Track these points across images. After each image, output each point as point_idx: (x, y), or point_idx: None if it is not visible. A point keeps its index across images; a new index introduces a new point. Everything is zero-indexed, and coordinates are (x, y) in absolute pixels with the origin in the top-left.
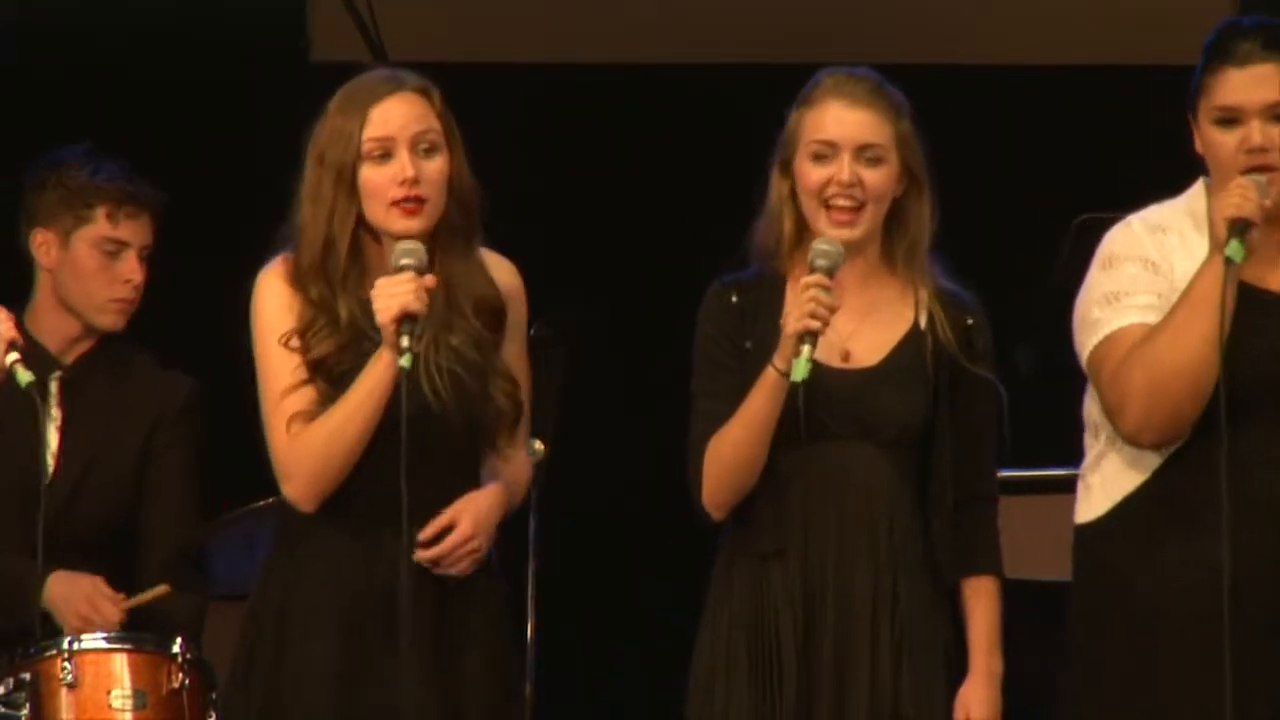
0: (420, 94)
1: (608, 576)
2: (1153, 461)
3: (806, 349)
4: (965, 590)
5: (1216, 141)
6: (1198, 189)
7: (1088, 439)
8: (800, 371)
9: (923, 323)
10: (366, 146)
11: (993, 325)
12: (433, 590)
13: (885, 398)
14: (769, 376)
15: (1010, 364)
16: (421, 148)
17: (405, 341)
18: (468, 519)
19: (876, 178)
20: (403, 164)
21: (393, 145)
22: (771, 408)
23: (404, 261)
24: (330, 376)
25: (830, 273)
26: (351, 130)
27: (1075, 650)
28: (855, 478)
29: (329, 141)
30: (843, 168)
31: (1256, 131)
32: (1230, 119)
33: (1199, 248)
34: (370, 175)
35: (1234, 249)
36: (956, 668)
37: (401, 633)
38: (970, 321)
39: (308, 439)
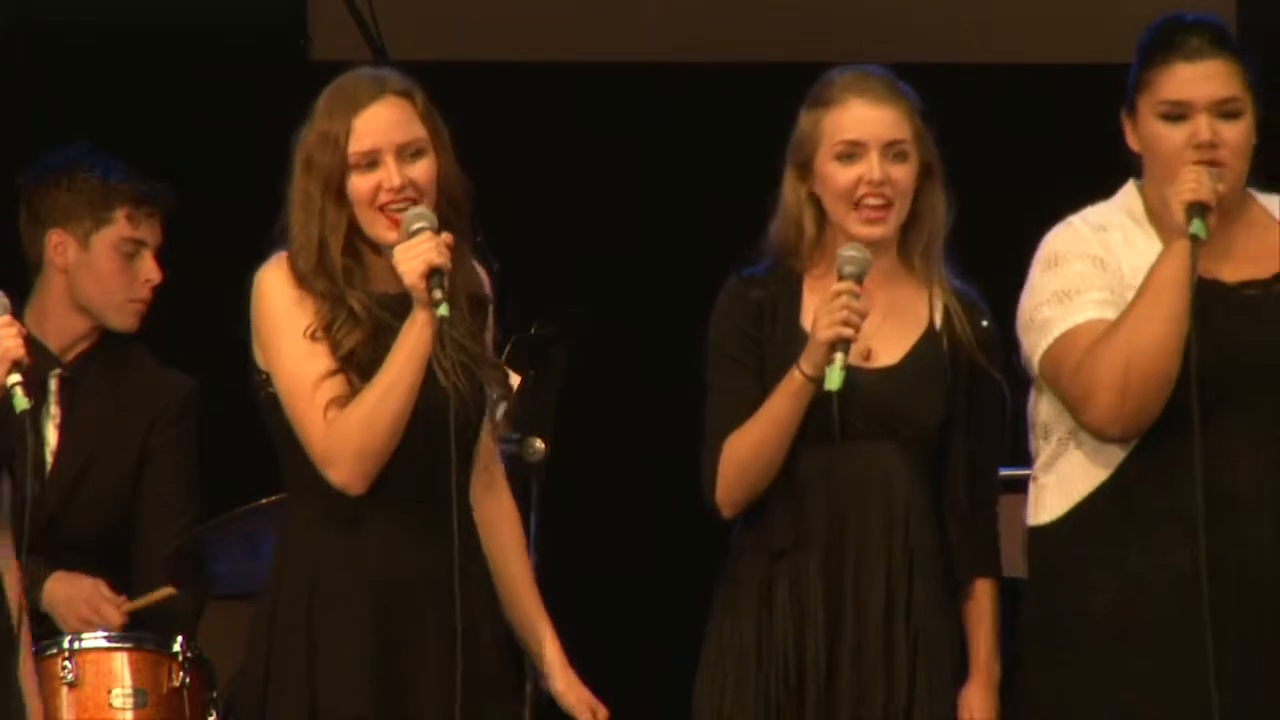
0: (403, 97)
1: (608, 576)
2: (1112, 461)
3: (840, 357)
4: (968, 592)
5: (1161, 135)
6: (1130, 190)
7: (1036, 441)
8: (835, 381)
9: (939, 321)
10: (353, 159)
11: None
12: (450, 583)
13: (907, 396)
14: (794, 380)
15: (1011, 364)
16: (407, 153)
17: (438, 294)
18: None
19: (903, 173)
20: (389, 172)
21: (378, 155)
22: (795, 411)
23: (417, 225)
24: (359, 369)
25: (859, 279)
26: (337, 138)
27: (1032, 653)
28: (874, 476)
29: (316, 148)
30: (872, 167)
31: (1205, 127)
32: (1177, 114)
33: (1143, 243)
34: (358, 183)
35: (1198, 227)
36: (962, 668)
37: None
38: (985, 323)
39: (348, 419)
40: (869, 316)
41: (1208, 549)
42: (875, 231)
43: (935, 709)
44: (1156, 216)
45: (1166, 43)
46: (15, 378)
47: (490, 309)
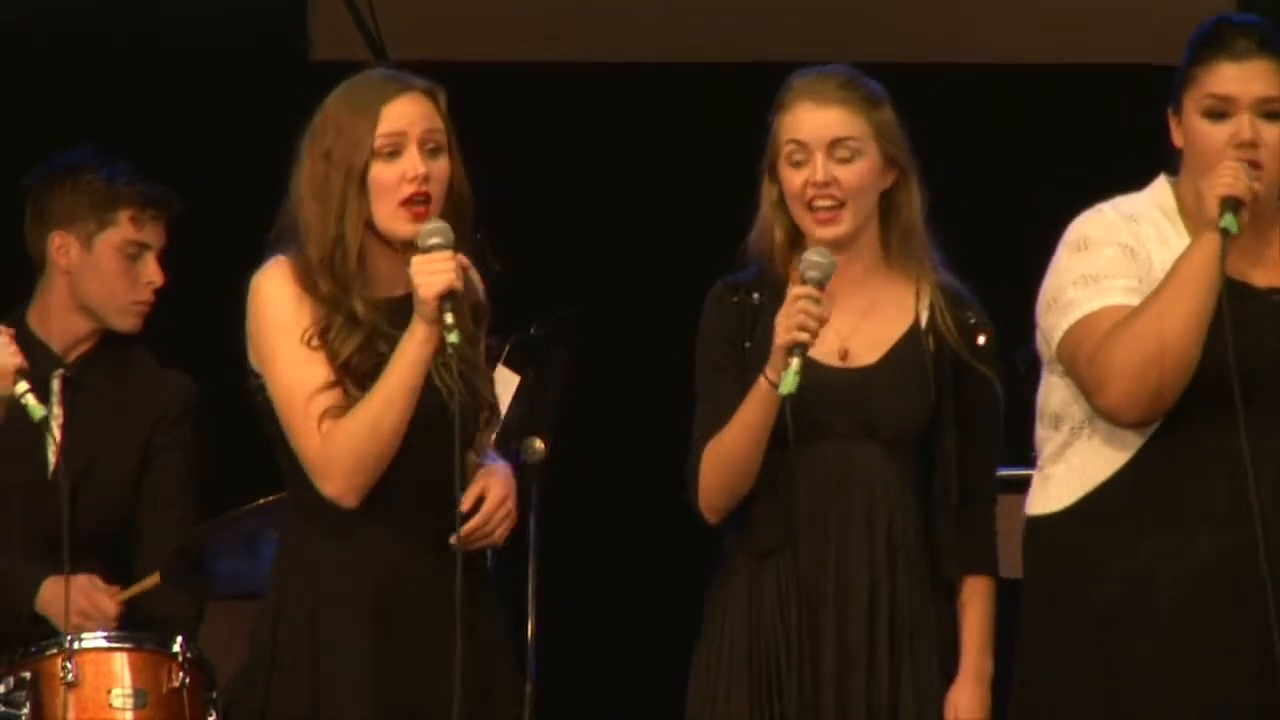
0: (427, 95)
1: (608, 576)
2: (1126, 453)
3: (795, 362)
4: (961, 590)
5: (1204, 132)
6: (1161, 184)
7: (1044, 431)
8: (788, 385)
9: (924, 320)
10: (379, 143)
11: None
12: (451, 583)
13: (883, 396)
14: (761, 386)
15: (1010, 364)
16: (429, 147)
17: (450, 319)
18: (498, 484)
19: (852, 173)
20: (413, 160)
21: (403, 141)
22: (764, 416)
23: (434, 240)
24: (355, 376)
25: (820, 284)
26: (362, 129)
27: (1033, 644)
28: (855, 476)
29: (337, 140)
30: (816, 168)
31: (1247, 126)
32: (1221, 111)
33: (1173, 238)
34: (380, 173)
35: (1229, 221)
36: (954, 667)
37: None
38: (973, 320)
39: (344, 433)
40: (847, 316)
41: (1226, 546)
42: (829, 232)
43: (922, 707)
44: (1189, 213)
45: (1215, 41)
46: (23, 386)
47: (486, 319)
